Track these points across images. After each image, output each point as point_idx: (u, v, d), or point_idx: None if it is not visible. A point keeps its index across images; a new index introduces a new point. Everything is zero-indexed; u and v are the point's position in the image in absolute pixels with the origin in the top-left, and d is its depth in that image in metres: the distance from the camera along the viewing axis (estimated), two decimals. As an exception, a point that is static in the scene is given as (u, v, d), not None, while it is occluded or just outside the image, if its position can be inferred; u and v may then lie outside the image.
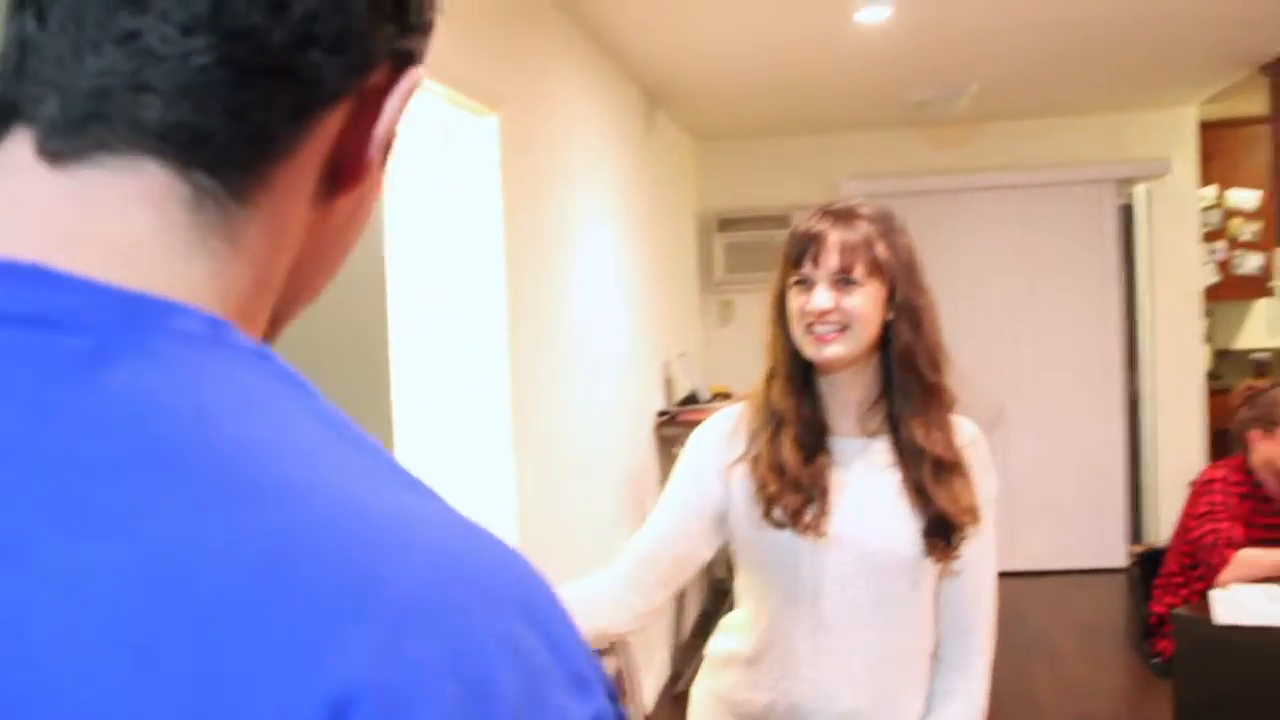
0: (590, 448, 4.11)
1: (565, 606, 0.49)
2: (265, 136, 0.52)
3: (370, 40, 0.54)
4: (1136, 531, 6.73)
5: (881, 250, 1.80)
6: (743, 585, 1.92)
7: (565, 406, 3.82)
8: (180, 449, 0.45)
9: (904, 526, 1.80)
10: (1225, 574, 3.44)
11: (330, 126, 0.54)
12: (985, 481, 1.88)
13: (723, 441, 1.89)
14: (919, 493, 1.80)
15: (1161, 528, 6.53)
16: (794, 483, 1.79)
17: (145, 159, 0.50)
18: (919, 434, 1.80)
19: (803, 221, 1.85)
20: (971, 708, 1.86)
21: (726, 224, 6.90)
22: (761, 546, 1.83)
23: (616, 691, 0.52)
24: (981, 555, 1.87)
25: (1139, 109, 6.65)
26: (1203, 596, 3.62)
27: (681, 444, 5.45)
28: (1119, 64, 5.34)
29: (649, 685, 4.68)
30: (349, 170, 0.56)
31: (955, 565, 1.84)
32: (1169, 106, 6.65)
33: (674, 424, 5.32)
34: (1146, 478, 6.71)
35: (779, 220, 6.80)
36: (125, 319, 0.48)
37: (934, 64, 5.13)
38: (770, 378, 1.88)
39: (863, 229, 1.80)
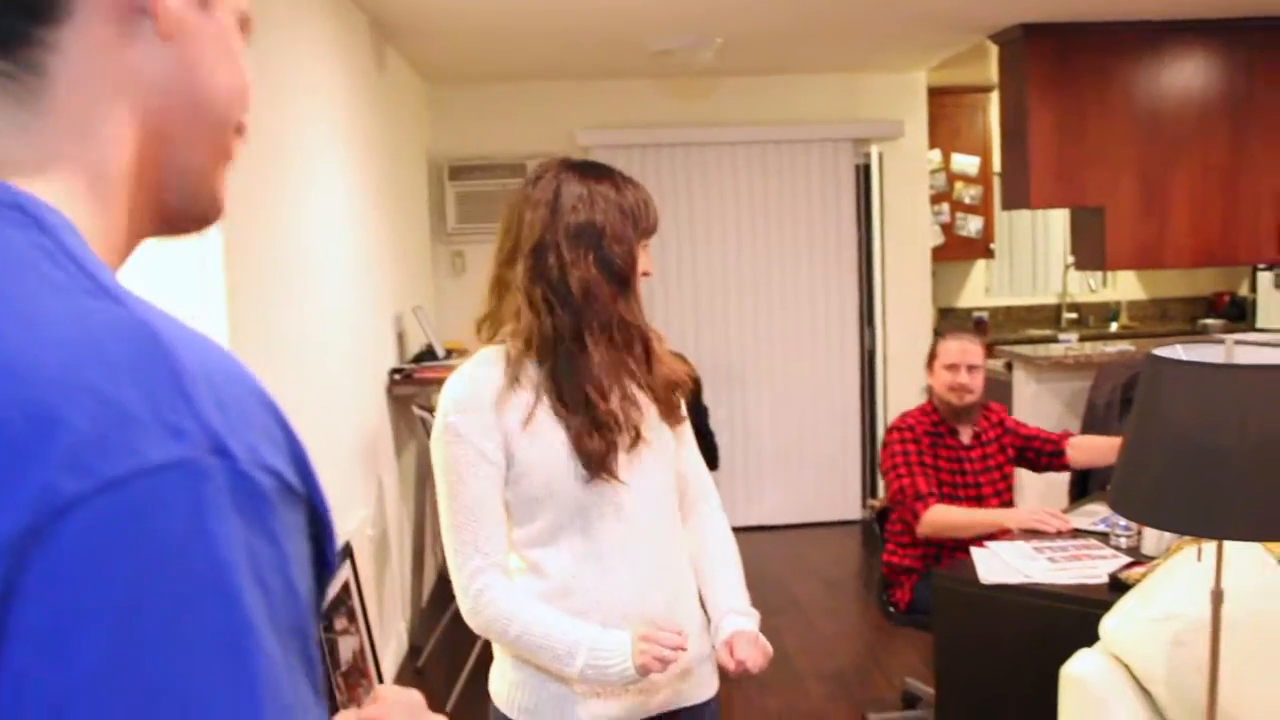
0: (321, 410, 3.75)
1: (205, 386, 0.57)
2: (30, 9, 0.61)
3: None
4: (872, 484, 6.87)
5: None
6: (529, 530, 1.94)
7: (291, 368, 3.45)
8: None
9: (660, 425, 2.01)
10: (920, 530, 3.70)
11: None
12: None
13: (498, 399, 1.92)
14: (644, 371, 1.99)
15: (891, 482, 6.69)
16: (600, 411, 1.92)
17: None
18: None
19: (640, 189, 2.00)
20: (739, 570, 2.13)
21: (458, 172, 6.58)
22: (563, 491, 1.90)
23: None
24: (693, 437, 2.16)
25: (875, 71, 6.74)
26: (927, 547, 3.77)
27: (417, 402, 5.05)
28: (858, 24, 5.35)
29: (387, 661, 4.36)
30: (139, 11, 0.65)
31: (682, 450, 2.09)
32: (902, 70, 6.77)
33: (409, 382, 4.99)
34: (880, 431, 6.85)
35: (513, 169, 6.54)
36: None
37: (680, 13, 4.97)
38: (540, 314, 1.93)
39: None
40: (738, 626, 2.02)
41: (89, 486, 0.52)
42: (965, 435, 3.90)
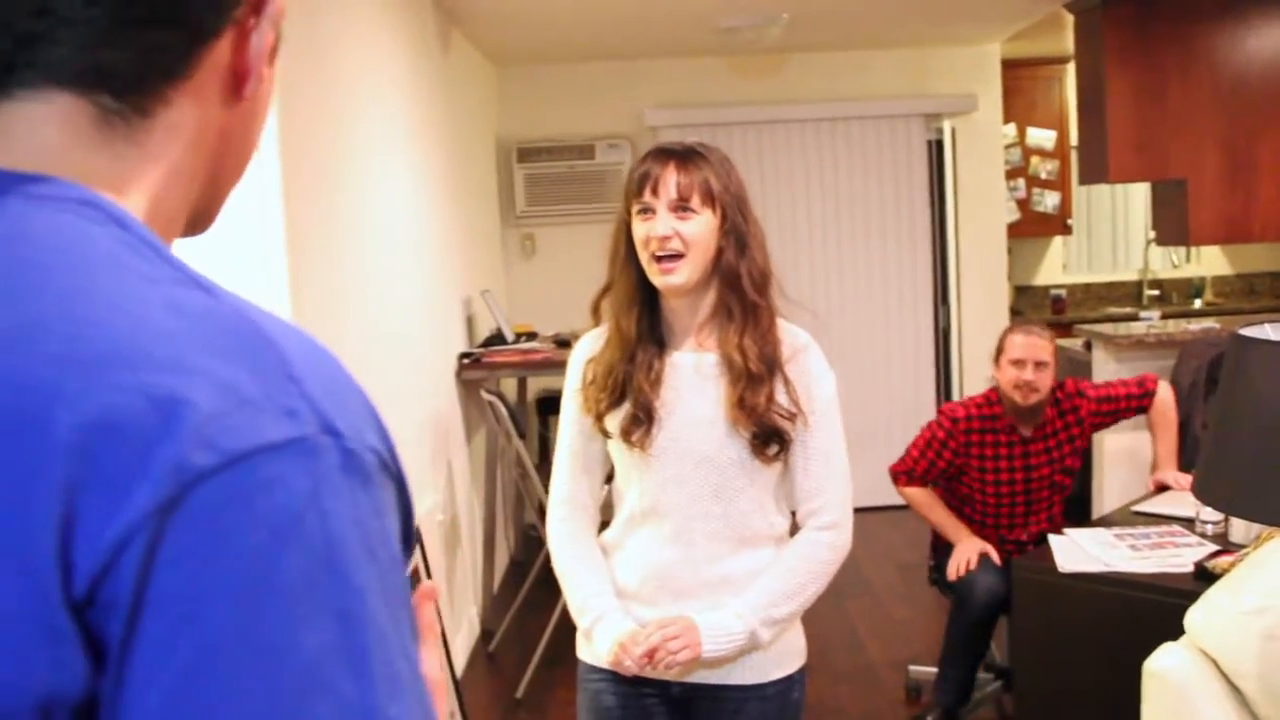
0: (390, 395, 3.75)
1: (307, 370, 0.60)
2: (162, 69, 0.68)
3: None
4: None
5: (715, 182, 2.02)
6: (614, 485, 2.20)
7: (359, 352, 3.44)
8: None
9: (731, 431, 2.01)
10: (899, 494, 3.87)
11: (220, 52, 0.70)
12: (815, 385, 2.07)
13: (590, 360, 2.14)
14: (740, 402, 2.00)
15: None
16: (634, 401, 2.04)
17: (55, 92, 0.66)
18: (733, 348, 2.01)
19: (643, 159, 2.07)
20: (786, 582, 2.05)
21: (527, 154, 6.55)
22: (616, 449, 2.10)
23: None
24: (827, 447, 2.07)
25: (947, 44, 6.60)
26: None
27: (486, 387, 5.08)
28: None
29: (458, 647, 4.37)
30: (242, 81, 0.72)
31: (800, 460, 2.06)
32: (975, 43, 6.62)
33: (478, 366, 4.98)
34: (954, 414, 6.74)
35: (582, 150, 6.51)
36: None
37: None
38: (615, 302, 2.10)
39: (698, 163, 2.03)
40: (704, 619, 2.02)
41: (216, 461, 0.55)
42: (1026, 429, 3.75)
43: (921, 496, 3.80)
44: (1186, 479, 3.55)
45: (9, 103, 0.66)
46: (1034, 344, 3.68)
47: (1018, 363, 3.67)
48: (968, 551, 3.63)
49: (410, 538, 0.65)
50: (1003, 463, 3.74)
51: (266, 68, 0.74)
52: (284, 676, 0.54)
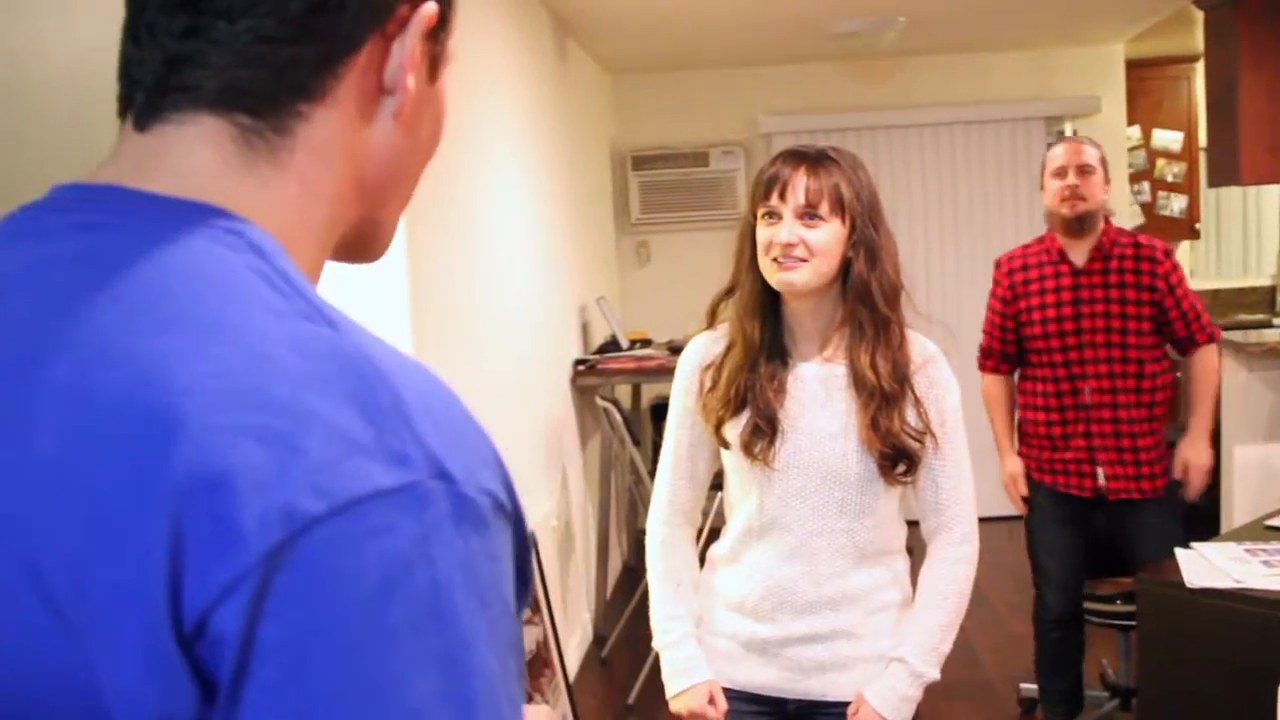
0: (505, 402, 3.80)
1: (423, 411, 0.60)
2: (297, 85, 0.68)
3: None
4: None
5: (845, 190, 1.95)
6: (726, 496, 2.16)
7: (476, 359, 3.49)
8: (129, 291, 0.62)
9: (860, 447, 1.97)
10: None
11: (361, 65, 0.70)
12: (945, 396, 2.03)
13: (703, 365, 2.10)
14: (873, 424, 1.95)
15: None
16: (755, 411, 1.99)
17: (202, 113, 0.68)
18: (865, 365, 1.95)
19: (773, 161, 2.01)
20: (945, 614, 2.06)
21: (642, 161, 6.57)
22: (733, 460, 2.06)
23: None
24: (956, 456, 2.05)
25: (1068, 45, 6.47)
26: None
27: (601, 393, 5.10)
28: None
29: (571, 652, 4.40)
30: (385, 95, 0.71)
31: (927, 472, 2.03)
32: (1097, 43, 6.47)
33: (593, 373, 5.02)
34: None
35: (697, 158, 6.52)
36: (136, 210, 0.66)
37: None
38: (738, 307, 2.04)
39: (830, 169, 1.96)
40: (873, 698, 2.01)
41: (325, 508, 0.55)
42: (1079, 256, 3.52)
43: (995, 390, 3.79)
44: None
45: (163, 125, 0.68)
46: (1074, 149, 3.52)
47: (1059, 171, 3.49)
48: (1007, 476, 3.89)
49: (526, 575, 0.64)
50: (1050, 296, 3.55)
51: (423, 84, 0.73)
52: None
